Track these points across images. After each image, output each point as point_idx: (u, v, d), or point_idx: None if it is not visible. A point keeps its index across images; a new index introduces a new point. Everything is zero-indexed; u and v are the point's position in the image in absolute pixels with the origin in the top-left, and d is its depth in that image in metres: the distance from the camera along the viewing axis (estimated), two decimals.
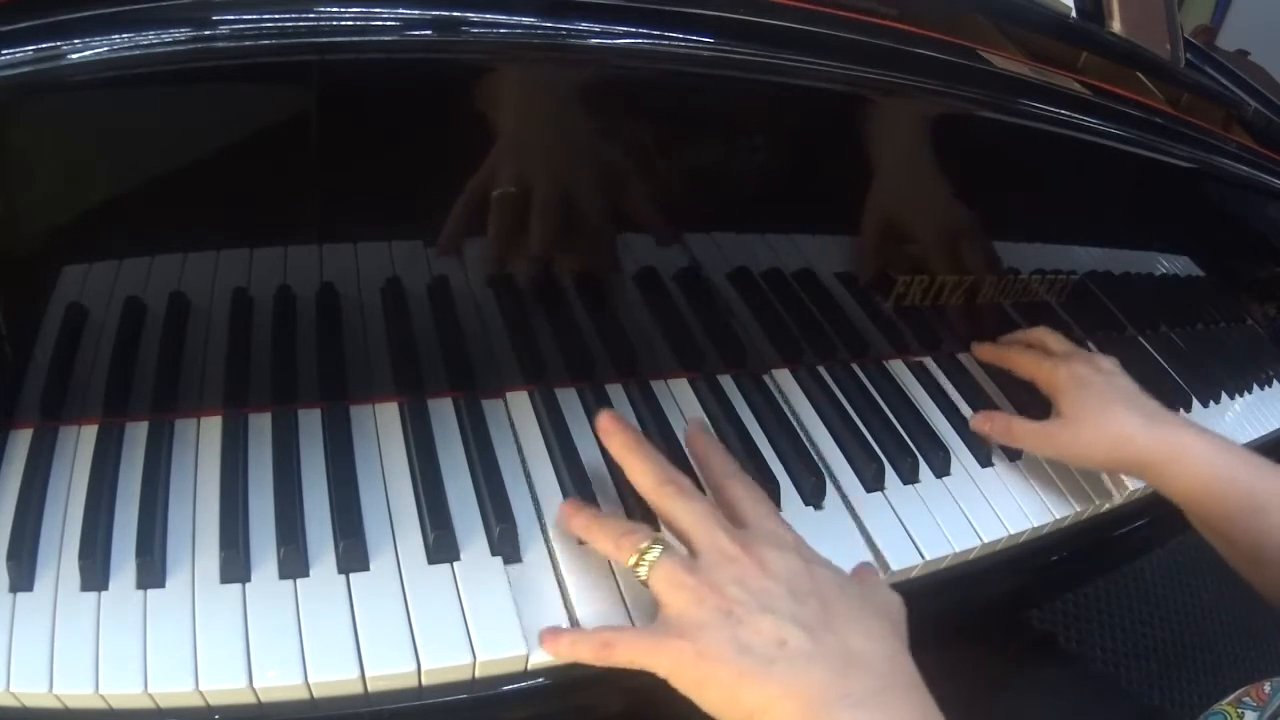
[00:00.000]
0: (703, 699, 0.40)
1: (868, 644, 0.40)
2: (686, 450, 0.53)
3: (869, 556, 0.54)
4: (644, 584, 0.43)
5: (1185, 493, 0.57)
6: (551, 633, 0.44)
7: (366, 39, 0.40)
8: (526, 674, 0.45)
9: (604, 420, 0.50)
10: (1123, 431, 0.57)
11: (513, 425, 0.56)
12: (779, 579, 0.41)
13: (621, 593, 0.48)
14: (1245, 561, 0.56)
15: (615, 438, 0.49)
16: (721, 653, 0.39)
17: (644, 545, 0.43)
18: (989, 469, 0.64)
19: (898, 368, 0.70)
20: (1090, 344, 0.82)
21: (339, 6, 0.39)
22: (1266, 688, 0.51)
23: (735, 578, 0.41)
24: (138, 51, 0.37)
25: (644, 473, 0.47)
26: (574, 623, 0.46)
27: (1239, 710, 0.50)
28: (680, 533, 0.45)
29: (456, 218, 0.49)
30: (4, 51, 0.35)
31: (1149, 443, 0.57)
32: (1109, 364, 0.64)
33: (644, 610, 0.47)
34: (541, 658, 0.45)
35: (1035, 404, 0.67)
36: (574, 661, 0.44)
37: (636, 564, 0.43)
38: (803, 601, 0.40)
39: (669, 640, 0.41)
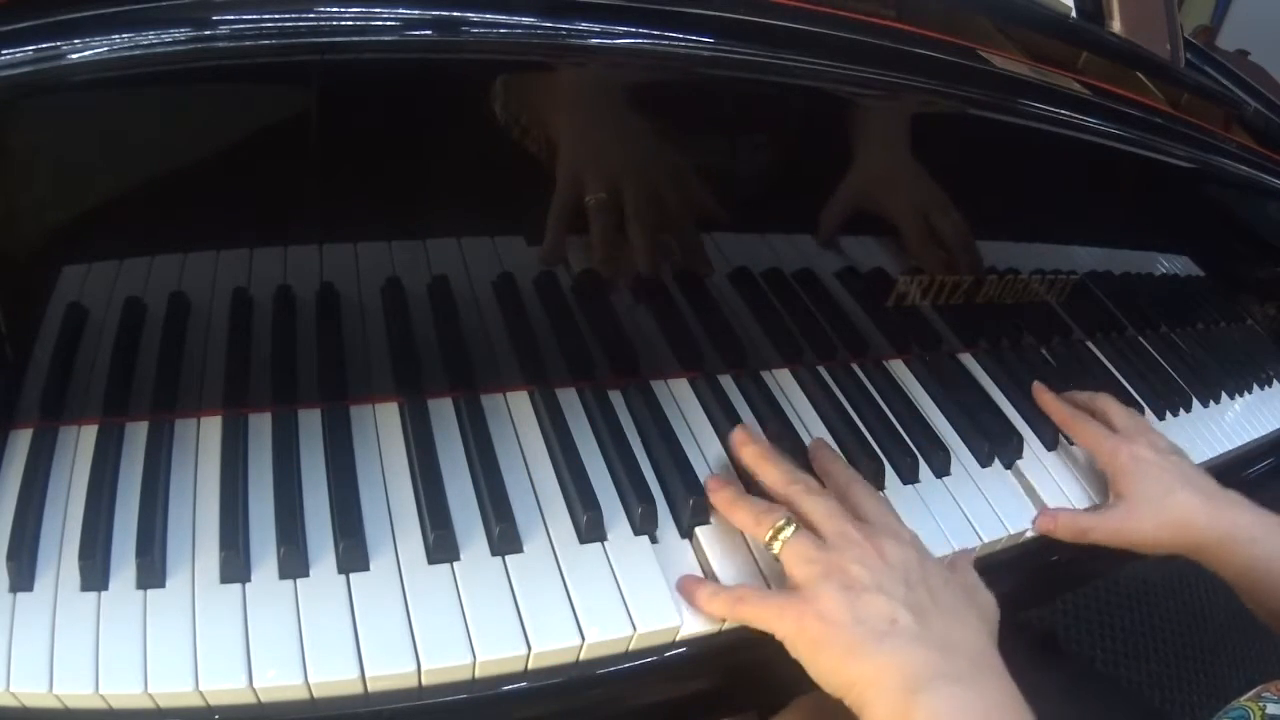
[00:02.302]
0: (815, 661, 0.44)
1: (966, 634, 0.45)
2: (811, 462, 0.57)
3: None
4: (776, 558, 0.48)
5: (1238, 571, 0.58)
6: (691, 581, 0.49)
7: (366, 39, 0.40)
8: (526, 674, 0.45)
9: (737, 434, 0.55)
10: (1183, 518, 0.58)
11: (513, 425, 0.56)
12: (895, 566, 0.46)
13: (621, 591, 0.48)
14: None
15: (748, 448, 0.54)
16: (840, 620, 0.44)
17: (780, 523, 0.48)
18: (989, 469, 0.64)
19: (898, 368, 0.70)
20: (1090, 344, 0.82)
21: (339, 6, 0.39)
22: None
23: (858, 558, 0.46)
24: (138, 51, 0.37)
25: (777, 474, 0.52)
26: (576, 620, 0.46)
27: (1260, 705, 0.50)
28: (811, 524, 0.49)
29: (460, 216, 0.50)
30: (4, 51, 0.35)
31: (1207, 524, 0.58)
32: (1166, 444, 0.64)
33: (647, 606, 0.47)
34: (543, 661, 0.45)
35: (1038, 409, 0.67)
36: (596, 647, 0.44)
37: (772, 539, 0.48)
38: (913, 588, 0.45)
39: (796, 604, 0.45)
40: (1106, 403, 0.68)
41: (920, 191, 0.62)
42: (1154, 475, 0.60)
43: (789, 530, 0.48)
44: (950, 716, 0.41)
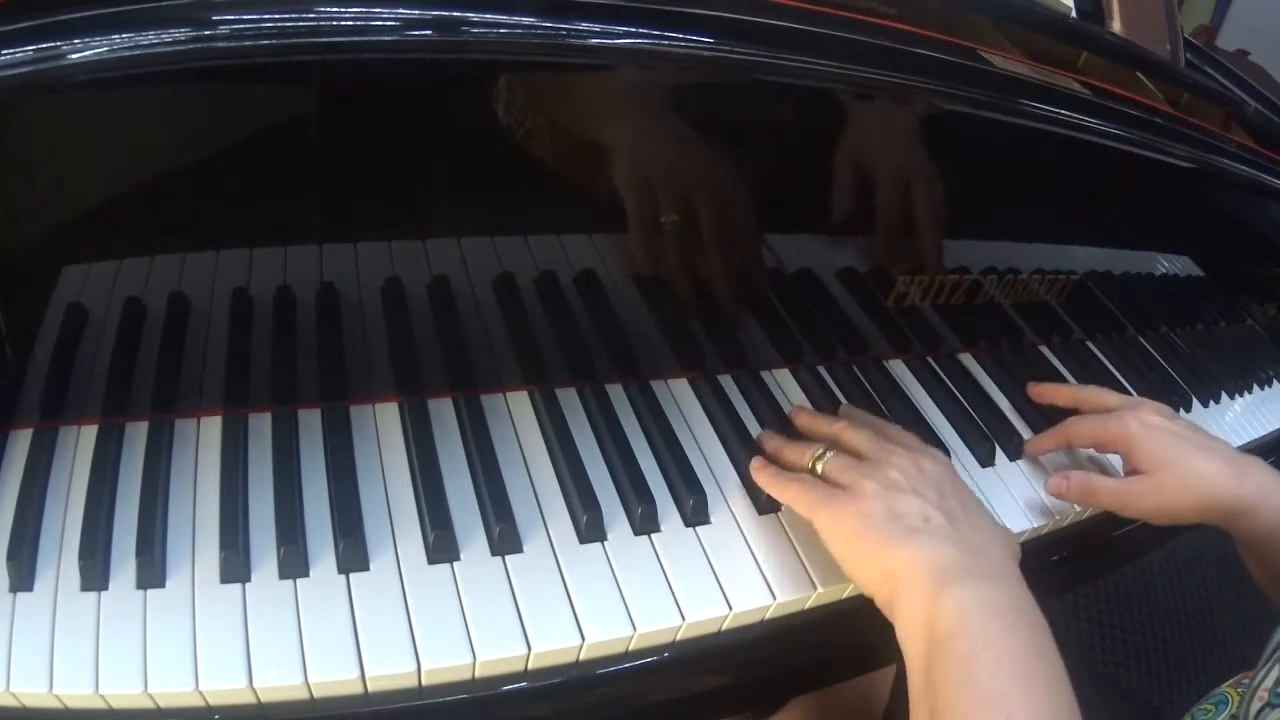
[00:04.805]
0: (850, 553, 0.47)
1: (990, 544, 0.47)
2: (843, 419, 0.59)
3: None
4: (820, 475, 0.51)
5: (1260, 537, 0.55)
6: (760, 462, 0.54)
7: (367, 39, 0.40)
8: (526, 674, 0.45)
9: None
10: (1207, 482, 0.55)
11: (513, 425, 0.56)
12: (931, 476, 0.50)
13: (621, 591, 0.48)
14: None
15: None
16: (876, 514, 0.47)
17: (820, 450, 0.52)
18: (989, 469, 0.64)
19: (898, 368, 0.70)
20: (1090, 344, 0.82)
21: (339, 6, 0.39)
22: None
23: (897, 466, 0.50)
24: (138, 51, 0.37)
25: (819, 422, 0.57)
26: (576, 620, 0.46)
27: (1239, 690, 0.50)
28: (854, 450, 0.53)
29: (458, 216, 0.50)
30: (4, 51, 0.35)
31: (1235, 490, 0.55)
32: (1169, 410, 0.61)
33: (646, 606, 0.47)
34: (544, 661, 0.45)
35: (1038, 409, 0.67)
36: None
37: (815, 463, 0.52)
38: (946, 497, 0.49)
39: (837, 495, 0.49)
40: (1093, 392, 0.65)
41: (918, 191, 0.62)
42: (1170, 443, 0.57)
43: (830, 454, 0.52)
44: (974, 606, 0.43)
